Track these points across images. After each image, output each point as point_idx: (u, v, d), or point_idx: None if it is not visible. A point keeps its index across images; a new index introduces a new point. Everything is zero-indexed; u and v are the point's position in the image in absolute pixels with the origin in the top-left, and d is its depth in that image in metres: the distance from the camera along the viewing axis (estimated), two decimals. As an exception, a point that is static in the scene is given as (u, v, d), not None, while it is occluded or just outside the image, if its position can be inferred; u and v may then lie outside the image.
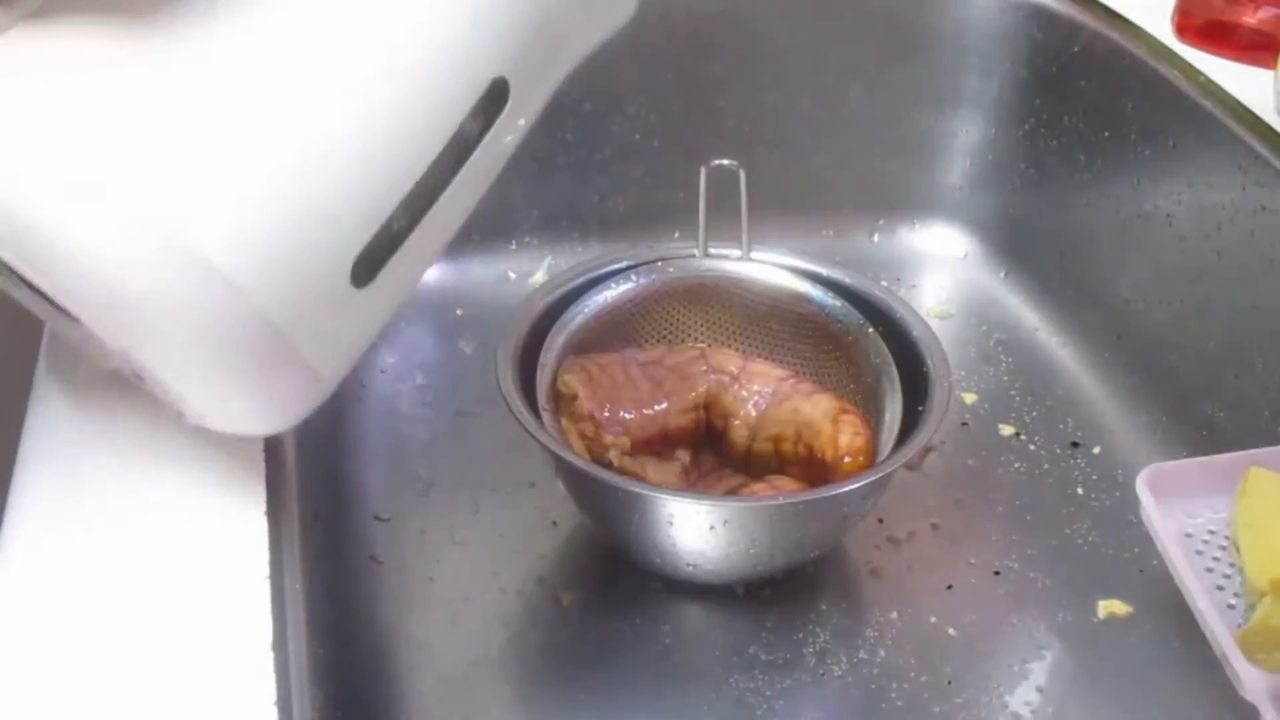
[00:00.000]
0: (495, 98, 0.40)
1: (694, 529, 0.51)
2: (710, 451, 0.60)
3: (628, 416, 0.57)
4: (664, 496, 0.51)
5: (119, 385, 0.45)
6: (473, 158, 0.40)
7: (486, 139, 0.41)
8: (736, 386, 0.59)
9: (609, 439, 0.56)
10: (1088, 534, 0.61)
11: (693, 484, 0.58)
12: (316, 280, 0.36)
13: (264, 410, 0.39)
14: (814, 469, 0.56)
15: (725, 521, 0.50)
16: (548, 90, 0.44)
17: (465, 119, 0.39)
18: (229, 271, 0.34)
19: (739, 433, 0.59)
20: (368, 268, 0.38)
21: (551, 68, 0.43)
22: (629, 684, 0.53)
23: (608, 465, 0.55)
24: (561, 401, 0.56)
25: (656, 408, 0.58)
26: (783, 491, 0.54)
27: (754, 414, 0.59)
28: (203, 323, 0.34)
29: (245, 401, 0.38)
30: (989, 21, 0.74)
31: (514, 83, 0.41)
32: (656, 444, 0.58)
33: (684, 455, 0.59)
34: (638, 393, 0.58)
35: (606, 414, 0.57)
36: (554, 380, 0.56)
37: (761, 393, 0.59)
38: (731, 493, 0.56)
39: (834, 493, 0.52)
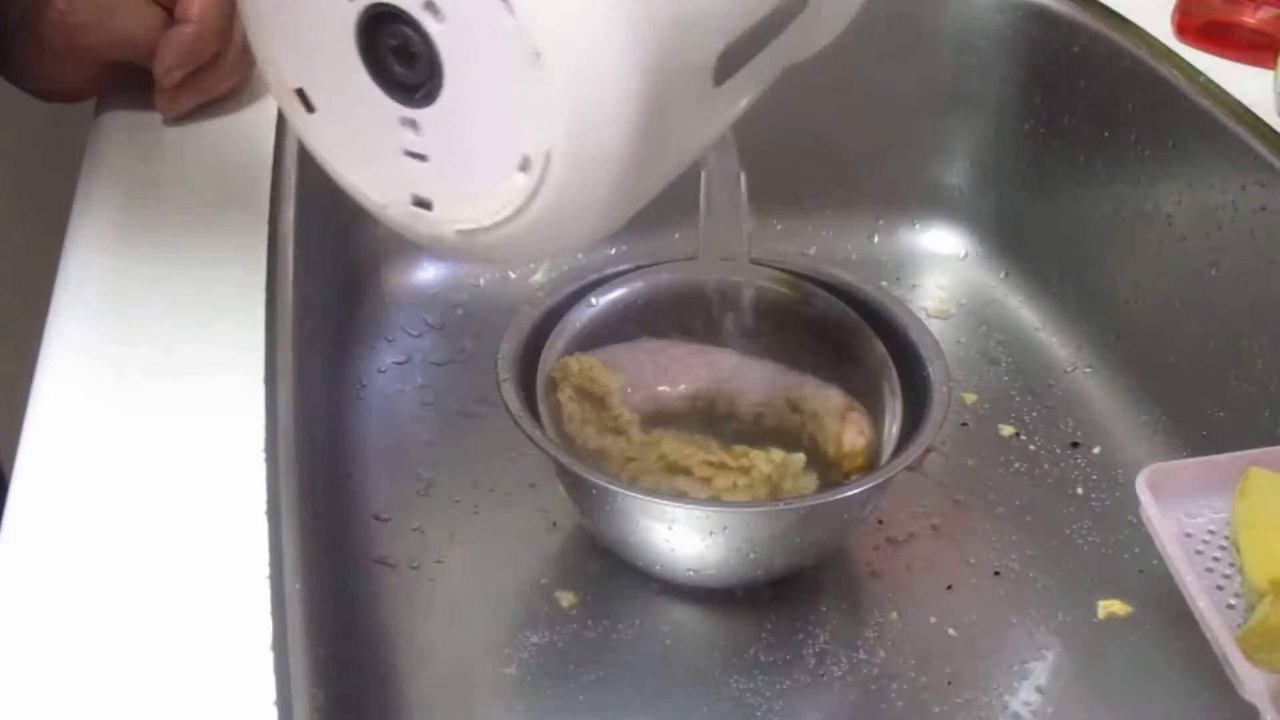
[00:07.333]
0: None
1: (693, 534, 0.51)
2: (713, 434, 0.59)
3: (632, 393, 0.58)
4: (663, 502, 0.51)
5: (120, 385, 0.45)
6: (779, 39, 0.40)
7: (779, 37, 0.40)
8: (738, 381, 0.59)
9: (625, 416, 0.56)
10: (1088, 534, 0.61)
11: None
12: (692, 50, 0.35)
13: (556, 216, 0.35)
14: (813, 463, 0.56)
15: (725, 527, 0.50)
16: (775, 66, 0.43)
17: None
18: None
19: (745, 416, 0.59)
20: (723, 70, 0.37)
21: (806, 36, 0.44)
22: (629, 684, 0.53)
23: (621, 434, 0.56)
24: (560, 383, 0.56)
25: (659, 388, 0.59)
26: (783, 498, 0.54)
27: (760, 399, 0.59)
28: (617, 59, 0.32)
29: (567, 187, 0.34)
30: (989, 21, 0.74)
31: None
32: (659, 421, 0.58)
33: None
34: (643, 374, 0.59)
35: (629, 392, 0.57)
36: (550, 380, 0.56)
37: (765, 382, 0.59)
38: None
39: (835, 498, 0.52)
